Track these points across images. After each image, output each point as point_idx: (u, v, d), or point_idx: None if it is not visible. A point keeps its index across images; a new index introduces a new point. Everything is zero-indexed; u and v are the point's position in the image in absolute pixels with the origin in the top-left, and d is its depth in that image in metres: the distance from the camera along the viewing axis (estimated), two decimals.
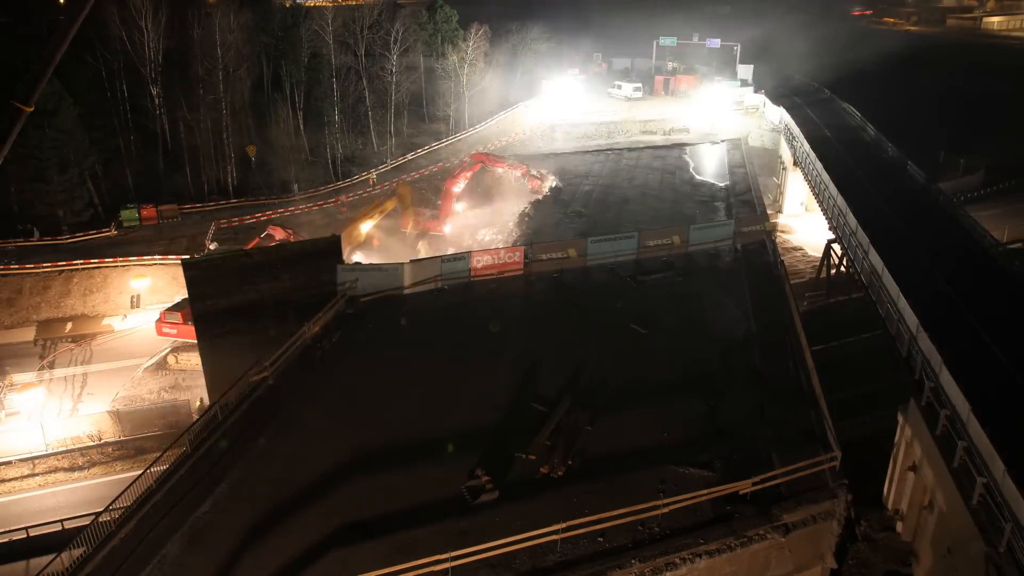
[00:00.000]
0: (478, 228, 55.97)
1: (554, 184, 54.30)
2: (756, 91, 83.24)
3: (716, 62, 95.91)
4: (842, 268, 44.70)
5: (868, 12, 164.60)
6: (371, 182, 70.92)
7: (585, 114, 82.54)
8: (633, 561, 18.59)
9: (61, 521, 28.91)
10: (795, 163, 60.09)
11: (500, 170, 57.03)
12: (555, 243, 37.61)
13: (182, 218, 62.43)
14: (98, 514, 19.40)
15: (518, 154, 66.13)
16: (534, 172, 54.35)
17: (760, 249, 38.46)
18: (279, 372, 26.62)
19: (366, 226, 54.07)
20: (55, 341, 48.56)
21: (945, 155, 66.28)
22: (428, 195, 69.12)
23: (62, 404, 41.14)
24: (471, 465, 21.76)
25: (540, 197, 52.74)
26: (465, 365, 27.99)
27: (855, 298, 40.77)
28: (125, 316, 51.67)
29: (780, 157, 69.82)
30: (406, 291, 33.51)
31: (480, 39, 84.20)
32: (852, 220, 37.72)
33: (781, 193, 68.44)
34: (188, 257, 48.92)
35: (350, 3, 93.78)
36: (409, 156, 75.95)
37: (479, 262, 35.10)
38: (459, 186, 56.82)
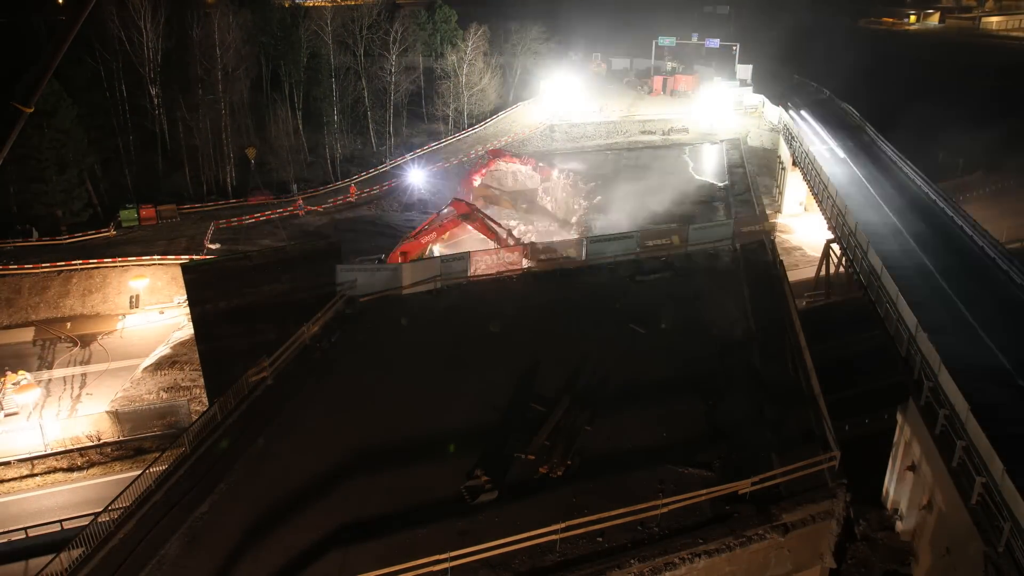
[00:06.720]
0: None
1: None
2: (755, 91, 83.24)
3: (715, 62, 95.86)
4: (841, 268, 44.70)
5: None
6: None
7: (584, 114, 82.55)
8: (632, 561, 18.61)
9: (60, 521, 28.91)
10: (794, 163, 60.12)
11: (515, 166, 62.98)
12: (555, 243, 37.63)
13: (181, 218, 62.29)
14: (97, 514, 19.44)
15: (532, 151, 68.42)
16: (542, 164, 63.79)
17: (759, 249, 38.46)
18: (278, 372, 26.62)
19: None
20: (54, 341, 48.53)
21: (944, 155, 66.33)
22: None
23: (61, 404, 41.11)
24: (470, 465, 21.78)
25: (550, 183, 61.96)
26: (465, 365, 27.99)
27: (854, 298, 40.76)
28: (124, 316, 51.64)
29: (779, 157, 69.82)
30: (406, 291, 33.53)
31: (479, 39, 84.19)
32: (851, 220, 37.71)
33: (780, 193, 68.46)
34: (188, 260, 48.95)
35: (349, 3, 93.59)
36: (408, 156, 75.93)
37: (479, 262, 35.10)
38: (477, 181, 59.92)
